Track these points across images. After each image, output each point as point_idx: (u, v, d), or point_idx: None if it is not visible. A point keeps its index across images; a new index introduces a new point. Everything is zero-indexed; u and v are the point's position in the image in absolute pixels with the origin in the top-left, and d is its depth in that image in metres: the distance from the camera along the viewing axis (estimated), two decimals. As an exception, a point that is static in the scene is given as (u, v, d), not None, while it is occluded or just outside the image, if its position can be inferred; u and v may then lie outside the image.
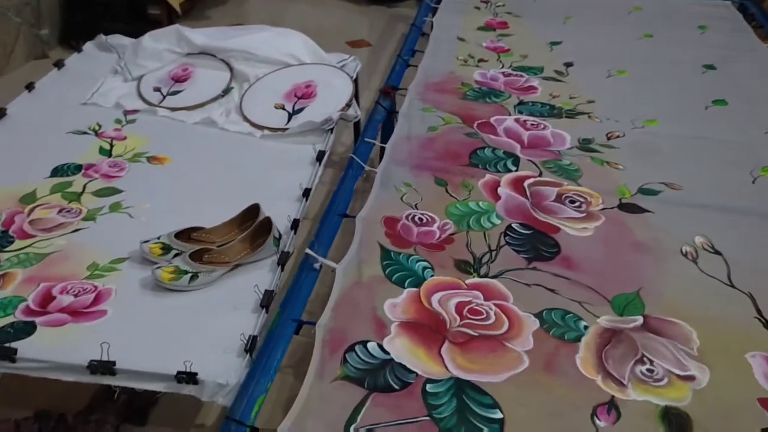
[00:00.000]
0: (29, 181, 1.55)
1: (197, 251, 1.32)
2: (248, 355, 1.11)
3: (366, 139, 1.72)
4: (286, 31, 2.13)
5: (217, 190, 1.58)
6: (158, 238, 1.35)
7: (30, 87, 1.95)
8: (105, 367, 1.07)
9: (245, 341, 1.13)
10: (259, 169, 1.67)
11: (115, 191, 1.55)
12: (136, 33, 2.19)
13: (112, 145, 1.74)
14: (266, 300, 1.21)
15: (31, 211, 1.46)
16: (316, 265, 1.29)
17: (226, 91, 1.98)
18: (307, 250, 1.31)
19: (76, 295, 1.24)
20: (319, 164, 1.66)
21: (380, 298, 1.24)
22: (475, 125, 1.84)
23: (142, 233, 1.39)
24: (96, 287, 1.26)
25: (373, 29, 3.56)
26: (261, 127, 1.84)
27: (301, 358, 1.13)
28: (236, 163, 1.70)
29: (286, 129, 1.81)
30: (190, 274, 1.26)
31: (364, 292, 1.25)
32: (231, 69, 2.04)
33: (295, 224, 1.43)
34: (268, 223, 1.38)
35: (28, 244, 1.36)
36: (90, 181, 1.58)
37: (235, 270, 1.32)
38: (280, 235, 1.37)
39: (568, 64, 2.23)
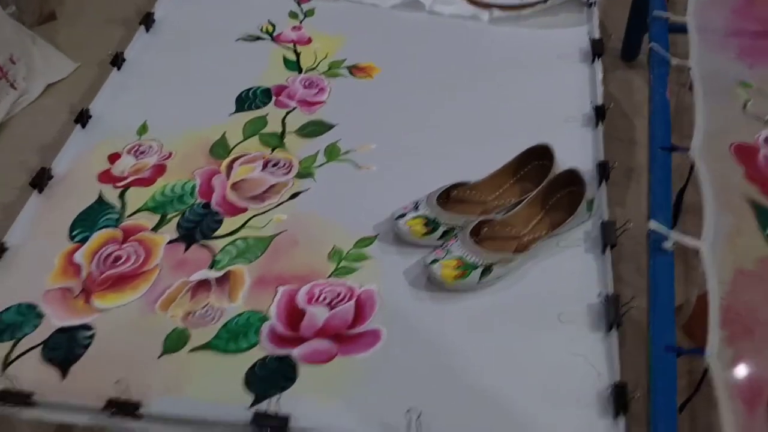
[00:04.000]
0: (213, 119, 1.16)
1: (475, 226, 0.91)
2: (621, 414, 0.73)
3: (656, 13, 1.16)
4: None
5: (455, 114, 1.13)
6: (416, 209, 0.95)
7: (173, -22, 1.49)
8: (418, 443, 0.73)
9: (611, 390, 0.75)
10: (506, 75, 1.19)
11: (325, 127, 1.14)
12: None
13: (297, 53, 1.29)
14: (614, 314, 0.80)
15: (230, 168, 1.08)
16: (668, 245, 0.85)
17: (423, -48, 1.43)
18: (653, 224, 0.86)
19: (330, 305, 0.89)
20: (597, 60, 1.14)
21: (786, 298, 0.79)
22: (810, -32, 1.21)
23: (380, 192, 1.01)
24: (352, 290, 0.90)
25: None
26: (487, 5, 1.31)
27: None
28: (470, 67, 1.22)
29: (527, 6, 1.27)
30: (480, 268, 0.87)
31: (760, 288, 0.81)
32: None
33: (603, 171, 0.97)
34: (571, 177, 0.93)
35: (242, 224, 1.00)
36: (288, 113, 1.17)
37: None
38: (593, 198, 0.93)
39: None
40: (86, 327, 0.89)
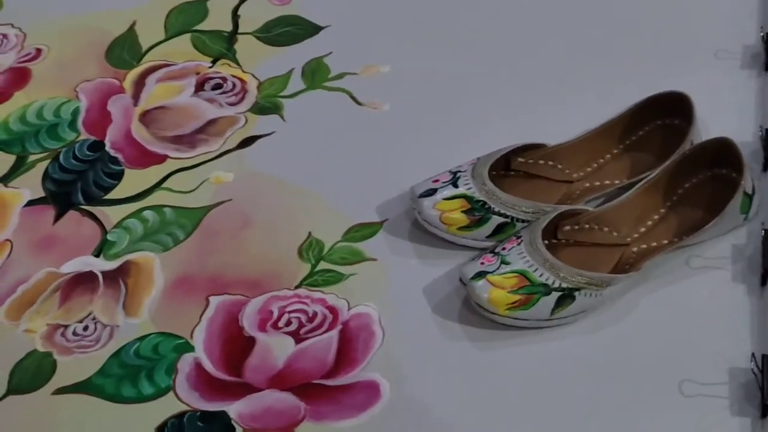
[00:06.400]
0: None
1: (552, 222, 0.91)
2: None
3: None
4: None
5: (528, 30, 1.15)
6: (454, 183, 0.94)
7: None
8: None
9: None
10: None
11: (305, 29, 1.15)
12: None
13: None
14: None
15: (139, 86, 1.10)
16: None
17: None
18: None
19: (298, 335, 0.89)
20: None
21: None
22: None
23: (393, 149, 1.04)
24: (336, 312, 0.91)
25: None
26: None
27: None
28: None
29: None
30: (556, 294, 0.86)
31: None
32: None
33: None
34: (719, 151, 0.93)
35: (156, 182, 1.01)
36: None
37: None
38: (754, 190, 0.92)
39: None
40: None
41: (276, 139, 1.04)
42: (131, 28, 1.14)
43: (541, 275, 0.87)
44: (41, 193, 0.99)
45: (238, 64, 1.11)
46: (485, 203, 0.92)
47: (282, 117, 1.06)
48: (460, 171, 0.95)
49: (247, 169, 1.02)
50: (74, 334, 0.89)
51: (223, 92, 1.08)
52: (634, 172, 0.97)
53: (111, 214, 0.98)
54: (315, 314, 0.90)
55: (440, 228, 0.93)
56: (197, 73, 1.10)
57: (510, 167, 0.98)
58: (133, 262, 0.94)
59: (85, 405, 0.85)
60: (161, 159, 1.02)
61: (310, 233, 0.96)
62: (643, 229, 0.94)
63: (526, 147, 0.98)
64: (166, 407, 0.84)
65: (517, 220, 0.92)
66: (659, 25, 1.13)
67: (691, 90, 0.98)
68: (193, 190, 1.00)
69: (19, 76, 1.09)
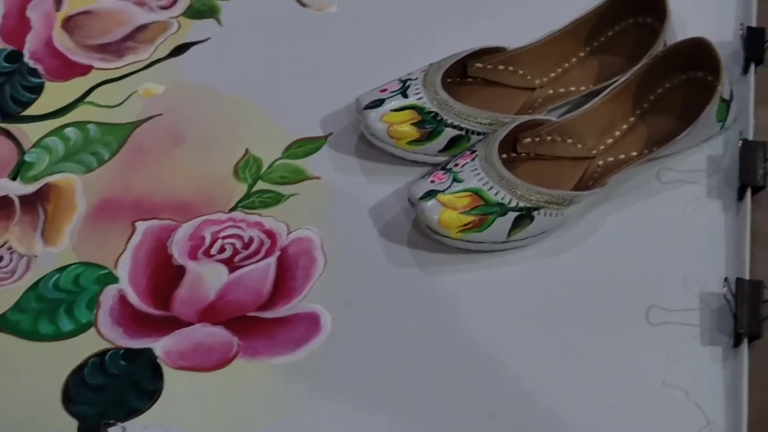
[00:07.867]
0: None
1: (510, 134, 0.87)
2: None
3: None
4: None
5: None
6: (403, 92, 0.90)
7: None
8: None
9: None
10: None
11: None
12: None
13: None
14: (749, 317, 0.75)
15: None
16: None
17: None
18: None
19: (231, 262, 0.86)
20: None
21: None
22: None
23: (339, 54, 1.02)
24: (274, 237, 0.87)
25: None
26: None
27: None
28: None
29: None
30: (513, 213, 0.83)
31: None
32: None
33: (756, 46, 0.93)
34: (695, 53, 0.88)
35: (80, 96, 0.98)
36: None
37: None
38: (732, 96, 0.89)
39: None
40: None
41: (212, 45, 1.02)
42: None
43: (496, 194, 0.84)
44: (-47, 111, 0.97)
45: (170, -40, 1.07)
46: (437, 114, 0.90)
47: (219, 21, 1.03)
48: (410, 79, 0.92)
49: (180, 79, 0.99)
50: (-12, 266, 0.86)
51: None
52: (602, 77, 0.94)
53: (29, 132, 0.95)
54: (251, 240, 0.88)
55: (388, 142, 0.90)
56: (125, -27, 1.06)
57: (467, 74, 0.95)
58: (52, 185, 0.92)
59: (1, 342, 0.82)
60: (85, 70, 1.00)
61: (247, 150, 0.94)
62: (609, 141, 0.91)
63: (484, 51, 0.94)
64: (87, 345, 0.82)
65: (473, 132, 0.90)
66: None
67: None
68: (120, 104, 0.97)
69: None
